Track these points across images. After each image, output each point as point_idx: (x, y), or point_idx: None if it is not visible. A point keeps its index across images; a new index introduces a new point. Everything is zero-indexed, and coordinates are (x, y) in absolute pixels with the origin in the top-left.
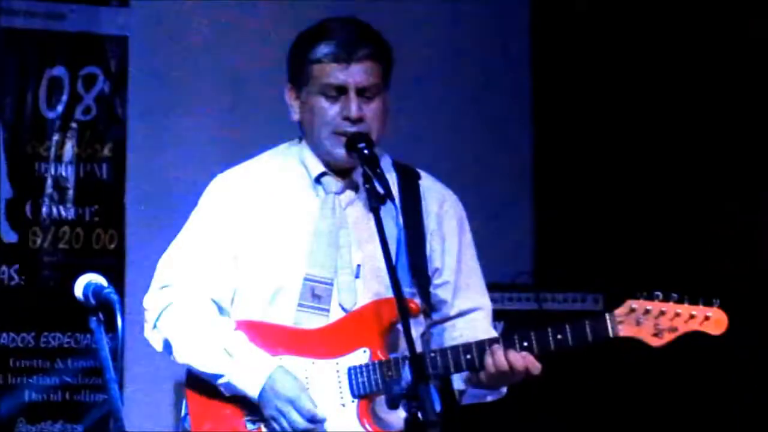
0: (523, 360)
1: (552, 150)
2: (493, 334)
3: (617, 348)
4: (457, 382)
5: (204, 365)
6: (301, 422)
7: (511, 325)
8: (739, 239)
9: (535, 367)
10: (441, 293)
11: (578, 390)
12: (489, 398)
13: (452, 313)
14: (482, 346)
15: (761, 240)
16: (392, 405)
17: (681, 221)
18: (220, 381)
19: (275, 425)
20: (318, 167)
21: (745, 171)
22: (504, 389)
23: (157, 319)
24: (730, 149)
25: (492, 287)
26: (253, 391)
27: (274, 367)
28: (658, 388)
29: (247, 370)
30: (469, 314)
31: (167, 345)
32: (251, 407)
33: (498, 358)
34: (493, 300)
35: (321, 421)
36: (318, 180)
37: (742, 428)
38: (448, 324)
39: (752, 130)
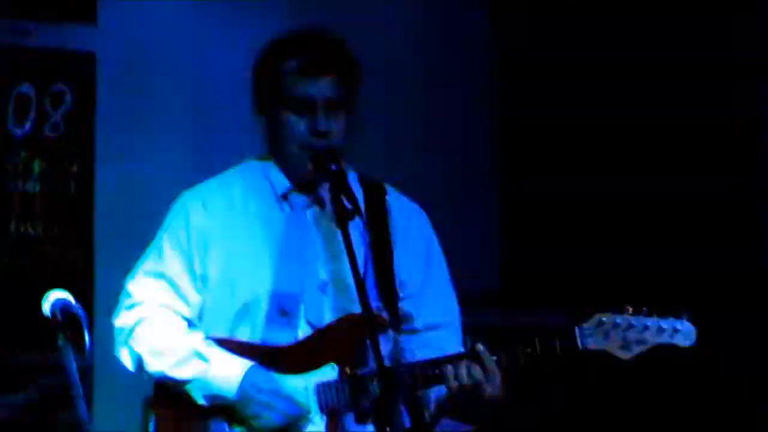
0: (483, 375)
1: (519, 164)
2: (461, 350)
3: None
4: (427, 412)
5: (177, 371)
6: (289, 411)
7: (479, 341)
8: (711, 251)
9: (495, 385)
10: (407, 306)
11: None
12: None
13: (419, 326)
14: (475, 354)
15: (734, 250)
16: (361, 420)
17: (650, 235)
18: (194, 386)
19: (261, 421)
20: (284, 183)
21: (719, 179)
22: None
23: (128, 337)
24: (701, 160)
25: (459, 302)
26: (229, 391)
27: (248, 365)
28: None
29: (222, 371)
30: (438, 329)
31: (139, 361)
32: (219, 422)
33: (459, 372)
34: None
35: (306, 409)
36: (284, 196)
37: None
38: (416, 338)
39: (727, 137)
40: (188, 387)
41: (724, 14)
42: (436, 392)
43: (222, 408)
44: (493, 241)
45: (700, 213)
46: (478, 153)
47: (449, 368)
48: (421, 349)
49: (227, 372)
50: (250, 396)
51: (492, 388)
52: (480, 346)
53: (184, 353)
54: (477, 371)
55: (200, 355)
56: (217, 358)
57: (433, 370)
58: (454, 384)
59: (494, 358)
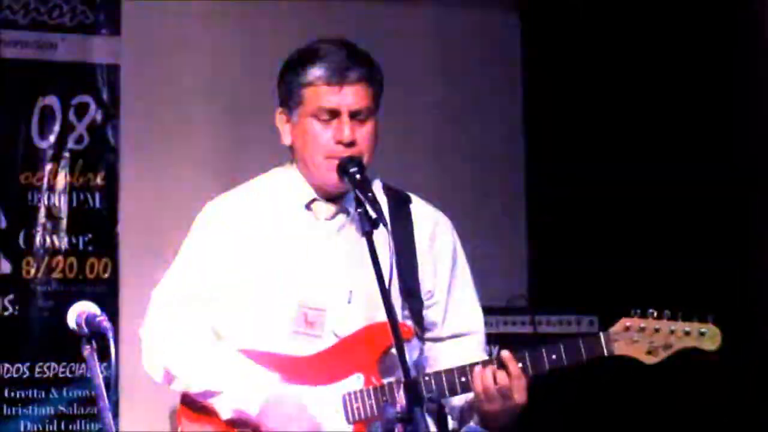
0: (509, 381)
1: (546, 171)
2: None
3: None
4: (451, 421)
5: (203, 384)
6: (311, 429)
7: (507, 349)
8: (733, 256)
9: (521, 392)
10: (432, 315)
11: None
12: None
13: (444, 335)
14: (501, 361)
15: (756, 255)
16: (387, 429)
17: (676, 241)
18: (218, 398)
19: None
20: (309, 193)
21: (740, 185)
22: None
23: (155, 348)
24: (724, 170)
25: (487, 310)
26: (253, 409)
27: (275, 383)
28: (655, 406)
29: (247, 386)
30: (462, 337)
31: (165, 373)
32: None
33: (485, 378)
34: (488, 323)
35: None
36: (308, 205)
37: None
38: (441, 346)
39: (747, 137)
40: (213, 400)
41: None
42: (460, 400)
43: (246, 421)
44: (520, 248)
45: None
46: (505, 159)
47: (477, 374)
48: (445, 357)
49: (251, 387)
50: (272, 415)
51: (518, 394)
52: (506, 353)
53: (210, 366)
54: (503, 377)
55: (226, 369)
56: (243, 373)
57: (459, 377)
58: (479, 390)
59: (519, 365)
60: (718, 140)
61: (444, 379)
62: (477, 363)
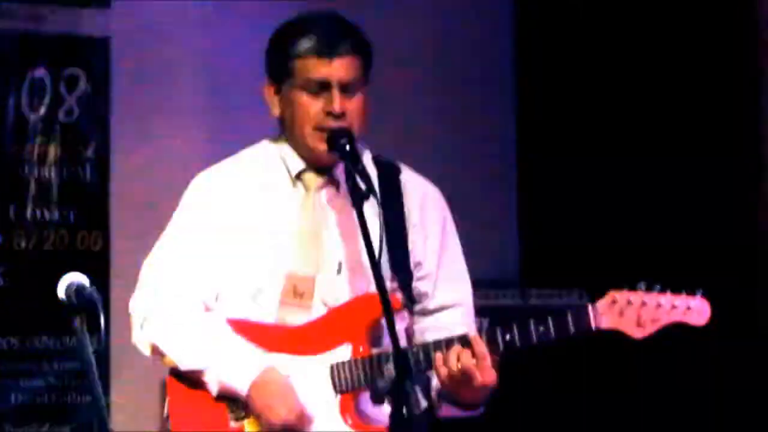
0: (475, 362)
1: (536, 143)
2: (474, 330)
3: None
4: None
5: (192, 360)
6: (289, 418)
7: (496, 322)
8: (727, 231)
9: (486, 372)
10: (422, 286)
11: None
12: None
13: (432, 306)
14: (465, 339)
15: (749, 233)
16: (377, 400)
17: (667, 212)
18: (208, 375)
19: (263, 420)
20: (298, 164)
21: (736, 161)
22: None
23: (144, 322)
24: (716, 143)
25: (477, 284)
26: (241, 386)
27: (264, 363)
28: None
29: (236, 364)
30: (449, 309)
31: (154, 347)
32: (234, 406)
33: (450, 359)
34: (478, 297)
35: (309, 420)
36: (298, 177)
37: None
38: (429, 318)
39: (742, 120)
40: (202, 376)
41: None
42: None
43: (235, 396)
44: (511, 221)
45: (719, 189)
46: (496, 132)
47: (438, 355)
48: (430, 330)
49: (240, 366)
50: (259, 394)
51: (483, 375)
52: (472, 333)
53: (199, 343)
54: (467, 357)
55: (215, 346)
56: (231, 350)
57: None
58: (443, 373)
59: (507, 338)
60: (708, 122)
61: (432, 350)
62: (442, 341)
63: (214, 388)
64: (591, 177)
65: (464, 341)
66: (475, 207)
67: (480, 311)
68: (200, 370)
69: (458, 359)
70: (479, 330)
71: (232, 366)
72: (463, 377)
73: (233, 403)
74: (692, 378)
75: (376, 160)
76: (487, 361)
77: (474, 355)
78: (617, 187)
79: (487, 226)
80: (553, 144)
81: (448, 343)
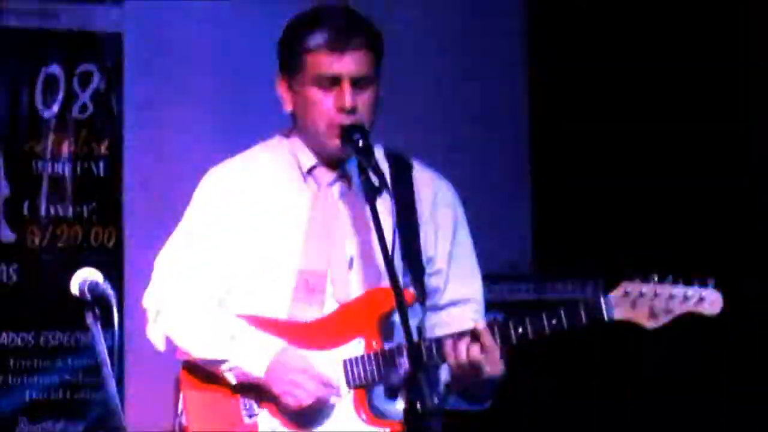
0: (484, 355)
1: (549, 136)
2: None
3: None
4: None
5: (207, 352)
6: (317, 388)
7: (511, 316)
8: (735, 222)
9: (494, 364)
10: (434, 281)
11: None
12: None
13: (443, 301)
14: (475, 332)
15: (757, 223)
16: (391, 395)
17: (679, 204)
18: (225, 366)
19: (289, 399)
20: (309, 159)
21: (741, 158)
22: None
23: (158, 316)
24: (725, 138)
25: (491, 277)
26: (258, 371)
27: (279, 345)
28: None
29: (251, 350)
30: (462, 304)
31: (168, 341)
32: (248, 400)
33: (459, 351)
34: (491, 291)
35: (336, 387)
36: (309, 172)
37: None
38: (441, 313)
39: (748, 121)
40: (218, 368)
41: None
42: (446, 371)
43: (251, 386)
44: (524, 214)
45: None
46: (510, 125)
47: (449, 344)
48: (441, 325)
49: (257, 351)
50: (278, 374)
51: (491, 367)
52: (481, 325)
53: (214, 332)
54: (476, 350)
55: (230, 335)
56: (247, 338)
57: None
58: (452, 363)
59: (520, 330)
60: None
61: (439, 346)
62: (452, 334)
63: (231, 379)
64: (605, 166)
65: (474, 334)
66: (489, 201)
67: (494, 305)
68: (216, 361)
69: (467, 350)
70: (492, 323)
71: (245, 353)
72: (472, 368)
73: (247, 399)
74: (700, 368)
75: (388, 155)
76: (496, 353)
77: (482, 347)
78: (630, 181)
79: (500, 220)
80: (567, 138)
81: (459, 336)
